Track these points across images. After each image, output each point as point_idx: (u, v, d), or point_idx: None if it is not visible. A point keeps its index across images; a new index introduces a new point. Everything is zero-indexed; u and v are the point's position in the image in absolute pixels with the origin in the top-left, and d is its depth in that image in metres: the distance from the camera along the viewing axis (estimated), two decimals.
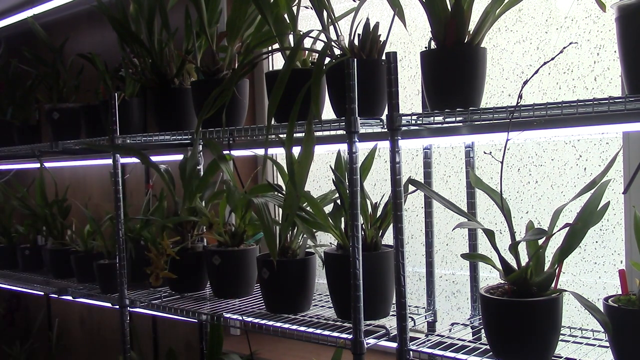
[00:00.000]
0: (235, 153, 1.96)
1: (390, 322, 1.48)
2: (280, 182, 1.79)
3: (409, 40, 1.89)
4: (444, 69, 1.28)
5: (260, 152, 2.01)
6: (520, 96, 1.15)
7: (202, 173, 1.96)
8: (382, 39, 1.43)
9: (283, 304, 1.60)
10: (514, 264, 1.23)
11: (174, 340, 2.45)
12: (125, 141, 1.96)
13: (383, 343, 1.43)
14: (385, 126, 1.33)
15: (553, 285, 1.21)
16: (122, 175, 2.02)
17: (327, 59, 1.44)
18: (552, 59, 1.18)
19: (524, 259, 1.22)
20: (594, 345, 1.30)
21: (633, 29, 1.08)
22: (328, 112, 1.53)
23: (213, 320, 1.68)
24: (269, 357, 2.03)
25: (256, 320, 1.59)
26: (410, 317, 1.44)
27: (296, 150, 1.34)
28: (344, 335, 1.42)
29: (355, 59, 1.33)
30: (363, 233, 1.49)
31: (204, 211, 1.83)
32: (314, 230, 1.56)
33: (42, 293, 2.40)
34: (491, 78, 1.71)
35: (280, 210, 1.73)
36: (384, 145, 1.47)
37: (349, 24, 1.46)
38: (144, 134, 1.94)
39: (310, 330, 1.49)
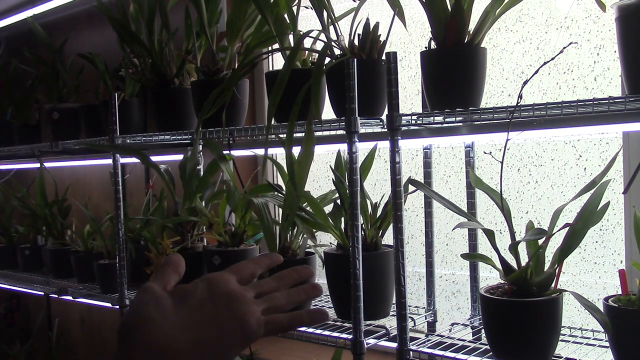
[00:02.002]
0: (235, 153, 1.96)
1: (390, 322, 1.48)
2: (280, 182, 1.79)
3: (409, 40, 1.89)
4: (444, 69, 1.28)
5: (260, 152, 2.02)
6: (520, 96, 1.15)
7: (202, 173, 1.96)
8: (382, 39, 1.43)
9: None
10: (514, 264, 1.23)
11: None
12: (125, 141, 1.96)
13: (383, 343, 1.43)
14: (385, 126, 1.32)
15: (553, 285, 1.21)
16: (122, 175, 2.02)
17: (327, 59, 1.44)
18: (552, 59, 1.18)
19: (524, 259, 1.22)
20: (594, 345, 1.30)
21: (633, 29, 1.08)
22: (328, 112, 1.53)
23: None
24: (269, 357, 2.03)
25: None
26: (410, 317, 1.44)
27: (296, 150, 1.34)
28: (344, 335, 1.42)
29: (355, 59, 1.33)
30: (363, 233, 1.49)
31: (204, 211, 1.83)
32: (314, 230, 1.56)
33: (42, 293, 2.40)
34: (491, 78, 1.71)
35: (280, 210, 1.73)
36: (384, 145, 1.47)
37: (349, 24, 1.46)
38: (144, 134, 1.94)
39: (310, 330, 1.49)
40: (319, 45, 1.53)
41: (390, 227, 1.35)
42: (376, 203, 1.53)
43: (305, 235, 1.60)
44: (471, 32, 1.28)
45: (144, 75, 1.94)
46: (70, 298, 2.24)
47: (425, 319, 1.58)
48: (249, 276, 0.71)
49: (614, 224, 1.53)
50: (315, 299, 0.73)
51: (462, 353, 1.28)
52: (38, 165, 2.60)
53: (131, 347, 0.59)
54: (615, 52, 1.50)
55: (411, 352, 1.32)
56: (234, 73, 1.55)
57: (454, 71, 1.27)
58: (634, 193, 1.39)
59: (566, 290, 1.19)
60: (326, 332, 1.47)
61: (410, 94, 1.89)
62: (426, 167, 1.58)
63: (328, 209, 1.59)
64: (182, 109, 1.90)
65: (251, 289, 0.69)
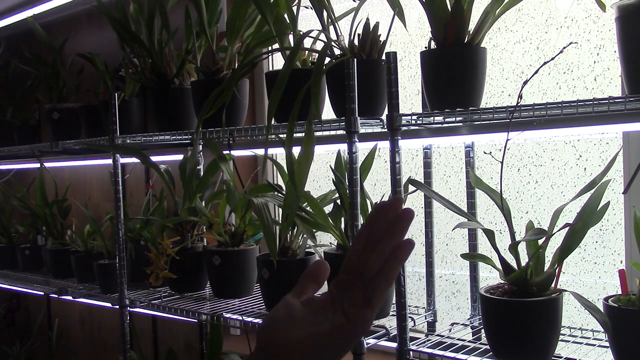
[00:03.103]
0: (235, 153, 1.96)
1: (390, 322, 1.48)
2: (280, 182, 1.79)
3: (409, 40, 1.89)
4: (444, 69, 1.28)
5: (260, 152, 2.02)
6: (520, 96, 1.15)
7: (202, 173, 1.96)
8: (382, 39, 1.43)
9: None
10: (514, 264, 1.23)
11: (174, 340, 2.46)
12: (125, 141, 1.96)
13: (383, 343, 1.43)
14: (385, 126, 1.32)
15: (553, 285, 1.21)
16: (122, 175, 2.02)
17: (327, 59, 1.44)
18: (552, 59, 1.18)
19: (524, 259, 1.22)
20: (594, 345, 1.30)
21: (633, 29, 1.08)
22: (328, 112, 1.53)
23: (213, 320, 1.68)
24: None
25: (256, 320, 1.59)
26: (410, 317, 1.44)
27: (296, 150, 1.34)
28: None
29: (355, 59, 1.33)
30: None
31: (204, 211, 1.83)
32: (314, 230, 1.56)
33: (42, 293, 2.40)
34: (491, 78, 1.71)
35: (280, 210, 1.73)
36: (384, 145, 1.47)
37: (349, 24, 1.46)
38: (144, 134, 1.94)
39: None
40: (319, 45, 1.53)
41: None
42: (376, 203, 1.53)
43: (305, 235, 1.60)
44: (471, 32, 1.28)
45: (144, 75, 1.94)
46: (70, 298, 2.24)
47: (425, 319, 1.58)
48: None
49: (614, 224, 1.53)
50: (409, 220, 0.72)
51: (462, 353, 1.28)
52: (38, 165, 2.60)
53: (259, 342, 0.69)
54: (615, 52, 1.50)
55: (411, 352, 1.32)
56: (234, 73, 1.55)
57: (454, 71, 1.27)
58: (634, 193, 1.39)
59: (566, 290, 1.19)
60: None
61: (410, 94, 1.89)
62: (426, 167, 1.58)
63: (328, 209, 1.59)
64: (182, 109, 1.90)
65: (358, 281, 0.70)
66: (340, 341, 0.67)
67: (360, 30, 1.42)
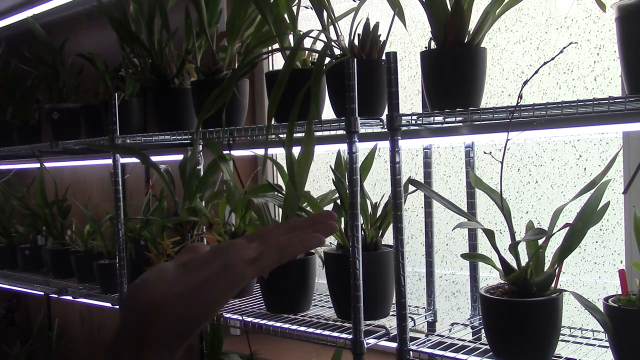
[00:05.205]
0: (235, 153, 1.96)
1: (390, 322, 1.48)
2: (280, 182, 1.79)
3: (409, 40, 1.89)
4: (444, 69, 1.28)
5: (260, 152, 2.01)
6: (520, 96, 1.15)
7: (202, 173, 1.96)
8: (382, 39, 1.43)
9: (283, 304, 1.60)
10: (514, 264, 1.23)
11: None
12: (125, 141, 1.96)
13: (383, 343, 1.43)
14: (385, 126, 1.32)
15: (553, 285, 1.21)
16: (122, 175, 2.02)
17: (327, 59, 1.44)
18: (552, 59, 1.18)
19: (524, 259, 1.22)
20: (594, 345, 1.30)
21: (633, 29, 1.08)
22: (328, 112, 1.53)
23: (213, 320, 1.68)
24: (269, 357, 2.03)
25: (256, 320, 1.59)
26: (410, 317, 1.44)
27: (296, 150, 1.34)
28: (344, 335, 1.42)
29: (355, 59, 1.33)
30: (363, 233, 1.49)
31: (204, 211, 1.83)
32: None
33: (42, 293, 2.40)
34: (491, 78, 1.71)
35: (280, 210, 1.73)
36: (384, 145, 1.47)
37: (349, 24, 1.46)
38: (144, 134, 1.94)
39: (310, 330, 1.49)
40: (319, 45, 1.52)
41: (390, 227, 1.35)
42: (376, 203, 1.53)
43: None
44: (471, 32, 1.28)
45: (144, 75, 1.94)
46: (70, 298, 2.24)
47: (425, 319, 1.58)
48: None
49: (614, 224, 1.53)
50: (331, 233, 0.66)
51: (462, 353, 1.28)
52: (38, 165, 2.60)
53: (125, 303, 0.63)
54: (615, 52, 1.50)
55: (411, 352, 1.32)
56: (234, 73, 1.55)
57: (454, 71, 1.27)
58: (634, 193, 1.39)
59: (566, 290, 1.19)
60: (326, 332, 1.47)
61: (410, 94, 1.89)
62: (426, 167, 1.58)
63: (328, 209, 1.59)
64: (182, 109, 1.90)
65: (254, 242, 0.67)
66: (211, 294, 0.62)
67: (360, 30, 1.42)
